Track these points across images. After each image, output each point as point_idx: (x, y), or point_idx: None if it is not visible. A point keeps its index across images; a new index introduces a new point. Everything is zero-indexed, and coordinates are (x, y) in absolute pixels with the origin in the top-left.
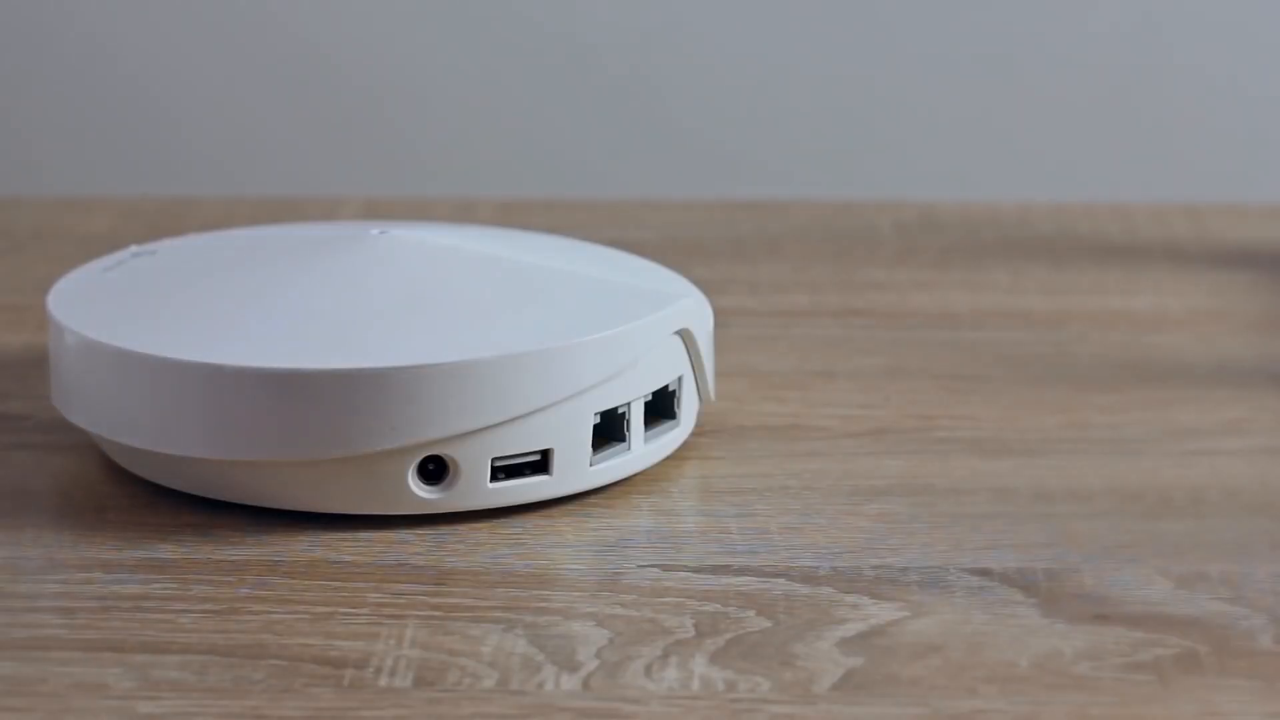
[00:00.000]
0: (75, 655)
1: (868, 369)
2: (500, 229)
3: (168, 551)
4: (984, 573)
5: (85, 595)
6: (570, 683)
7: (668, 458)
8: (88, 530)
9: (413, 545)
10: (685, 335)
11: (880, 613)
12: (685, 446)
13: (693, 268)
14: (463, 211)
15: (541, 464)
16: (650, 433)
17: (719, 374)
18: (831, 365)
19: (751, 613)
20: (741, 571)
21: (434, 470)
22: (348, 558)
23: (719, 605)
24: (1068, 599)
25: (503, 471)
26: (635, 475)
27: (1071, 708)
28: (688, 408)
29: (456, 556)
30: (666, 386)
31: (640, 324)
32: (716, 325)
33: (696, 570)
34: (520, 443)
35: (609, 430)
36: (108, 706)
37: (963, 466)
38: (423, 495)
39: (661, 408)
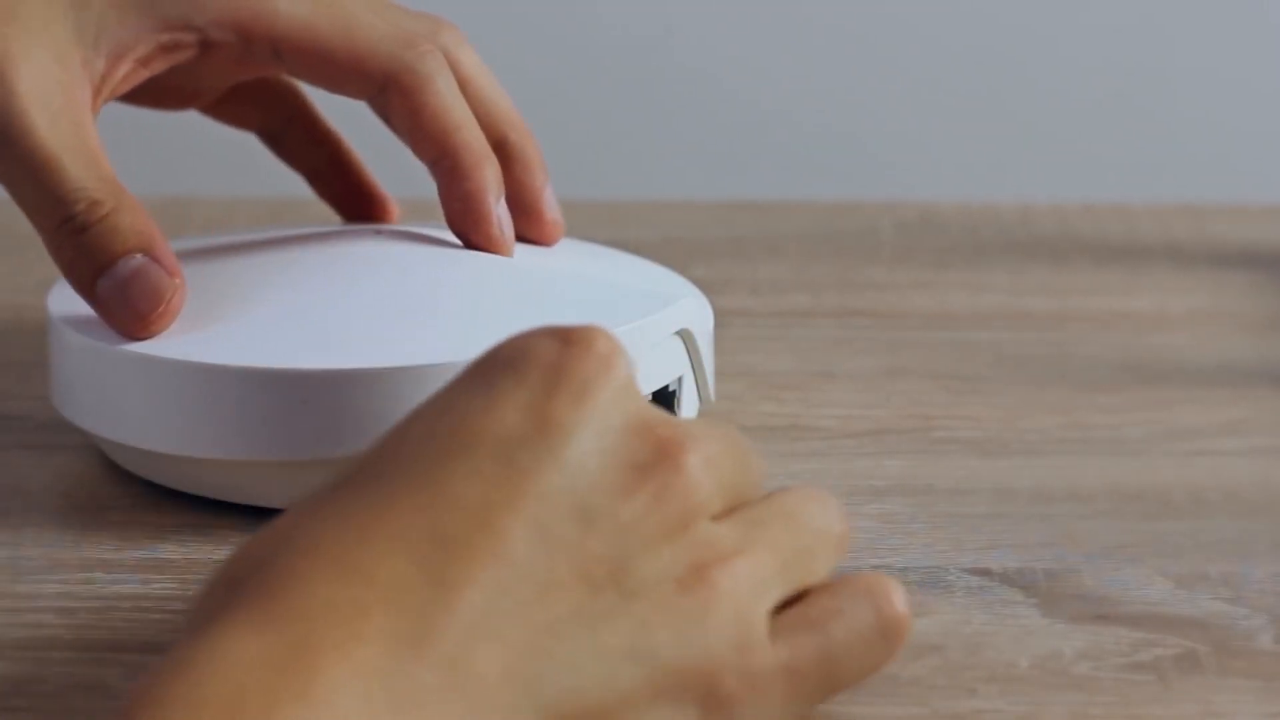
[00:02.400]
0: (75, 655)
1: (868, 369)
2: None
3: (168, 551)
4: (984, 573)
5: (85, 595)
6: None
7: None
8: (88, 530)
9: None
10: (685, 335)
11: None
12: None
13: (693, 268)
14: None
15: None
16: None
17: (719, 374)
18: (831, 365)
19: None
20: None
21: None
22: None
23: None
24: (1068, 599)
25: None
26: None
27: (1071, 708)
28: (688, 408)
29: None
30: (666, 386)
31: (640, 324)
32: (716, 325)
33: None
34: None
35: None
36: (108, 706)
37: (963, 466)
38: None
39: (661, 408)
